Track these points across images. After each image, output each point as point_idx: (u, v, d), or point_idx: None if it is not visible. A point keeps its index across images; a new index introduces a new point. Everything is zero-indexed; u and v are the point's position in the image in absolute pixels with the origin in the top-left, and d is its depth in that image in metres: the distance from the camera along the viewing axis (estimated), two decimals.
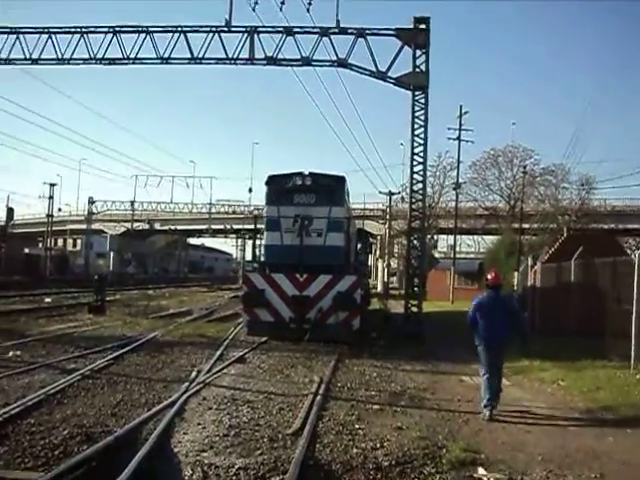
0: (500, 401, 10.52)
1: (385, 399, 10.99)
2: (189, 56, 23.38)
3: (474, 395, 11.50)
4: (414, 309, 21.96)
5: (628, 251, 27.20)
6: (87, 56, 23.43)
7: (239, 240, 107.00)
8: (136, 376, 12.24)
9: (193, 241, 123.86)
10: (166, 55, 23.42)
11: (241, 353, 15.57)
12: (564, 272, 20.67)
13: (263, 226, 20.28)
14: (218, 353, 15.39)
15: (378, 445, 7.98)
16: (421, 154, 21.86)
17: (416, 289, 22.44)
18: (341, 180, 20.29)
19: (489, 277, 11.10)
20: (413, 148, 21.85)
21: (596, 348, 16.00)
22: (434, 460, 7.43)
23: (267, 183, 20.06)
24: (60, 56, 23.55)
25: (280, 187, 19.59)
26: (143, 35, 23.30)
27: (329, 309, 18.08)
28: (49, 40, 23.52)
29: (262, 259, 20.15)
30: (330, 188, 19.53)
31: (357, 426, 8.90)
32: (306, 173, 19.51)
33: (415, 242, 22.96)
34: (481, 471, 6.28)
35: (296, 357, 15.52)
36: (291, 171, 19.85)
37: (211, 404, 10.02)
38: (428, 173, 53.21)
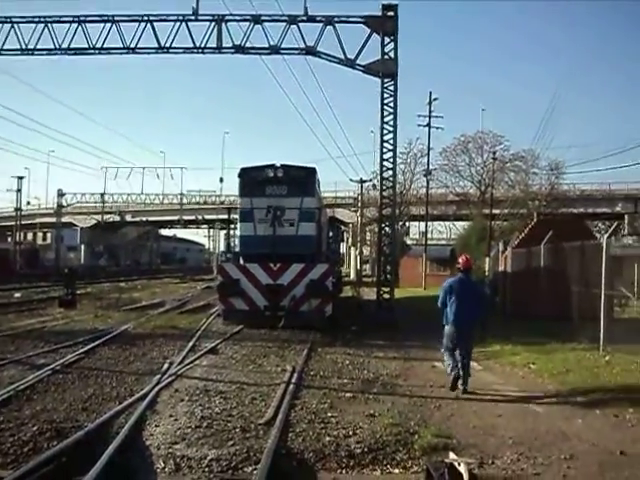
0: (471, 385, 10.69)
1: (358, 387, 11.01)
2: (156, 45, 23.13)
3: (446, 380, 11.57)
4: (386, 296, 22.10)
5: (597, 235, 27.47)
6: (52, 46, 23.04)
7: (211, 230, 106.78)
8: (107, 369, 12.15)
9: (165, 232, 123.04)
10: (133, 45, 23.12)
11: (213, 344, 15.47)
12: (534, 257, 20.88)
13: (237, 217, 20.90)
14: (190, 344, 15.30)
15: (351, 433, 8.00)
16: (391, 141, 21.94)
17: (388, 276, 22.58)
18: (312, 171, 20.90)
19: (460, 261, 11.62)
20: (383, 135, 21.92)
21: (566, 331, 16.24)
22: (406, 446, 7.47)
23: (240, 175, 20.48)
24: (24, 46, 23.13)
25: (253, 179, 20.15)
26: (109, 25, 22.96)
27: (302, 297, 18.77)
28: (12, 30, 23.08)
29: (237, 249, 20.81)
30: (301, 179, 20.08)
31: (329, 414, 8.91)
32: (278, 165, 20.03)
33: (387, 229, 23.03)
34: (452, 456, 6.32)
35: (268, 347, 15.49)
36: (263, 163, 20.39)
37: (183, 396, 9.96)
38: (399, 160, 53.11)
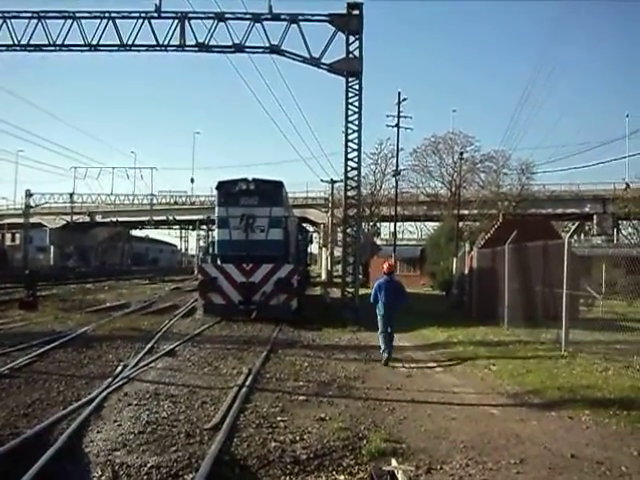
0: (429, 387, 10.71)
1: (313, 389, 10.78)
2: (118, 43, 22.82)
3: (404, 382, 11.56)
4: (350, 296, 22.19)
5: (564, 235, 27.56)
6: (10, 42, 22.56)
7: (183, 231, 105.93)
8: (58, 373, 11.80)
9: (137, 233, 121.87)
10: (94, 42, 22.84)
11: (172, 346, 15.18)
12: (499, 257, 20.80)
13: (215, 224, 23.78)
14: (148, 346, 14.99)
15: (298, 438, 7.77)
16: (355, 141, 21.82)
17: (354, 276, 22.59)
18: (279, 184, 23.98)
19: (385, 266, 14.92)
20: (347, 135, 21.81)
21: (529, 331, 16.20)
22: (354, 451, 7.26)
23: (217, 188, 23.72)
24: None
25: (228, 191, 23.06)
26: (70, 21, 22.58)
27: (271, 292, 21.50)
28: None
29: (215, 252, 23.38)
30: (270, 191, 23.04)
31: (279, 418, 8.67)
32: (250, 179, 22.97)
33: (354, 229, 22.98)
34: (393, 463, 6.13)
35: (227, 348, 15.21)
36: (237, 177, 23.32)
37: (132, 400, 9.66)
38: (370, 161, 53.12)
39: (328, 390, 10.75)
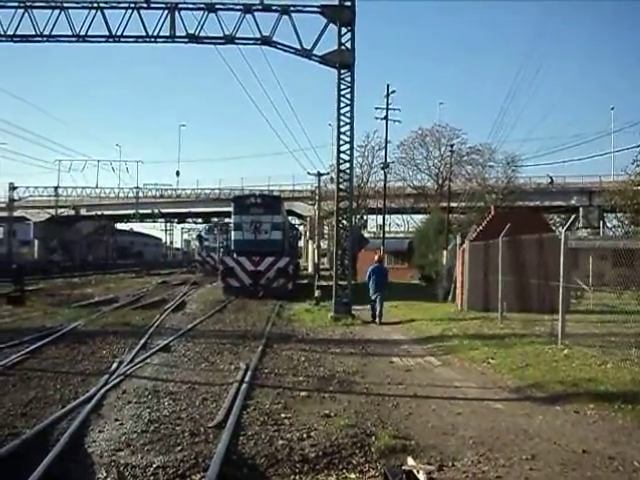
0: (429, 382, 10.58)
1: (313, 385, 10.63)
2: (107, 34, 22.38)
3: (404, 377, 11.45)
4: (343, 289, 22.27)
5: (553, 227, 27.56)
6: None
7: (168, 224, 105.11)
8: (53, 370, 11.59)
9: (121, 226, 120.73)
10: (82, 32, 22.33)
11: (166, 341, 15.00)
12: (492, 250, 20.73)
13: (232, 228, 33.04)
14: (142, 342, 14.81)
15: (305, 435, 7.63)
16: (348, 133, 21.61)
17: (346, 271, 22.54)
18: (279, 198, 36.55)
19: (376, 257, 22.69)
20: (339, 127, 21.56)
21: (523, 324, 16.13)
22: (363, 449, 7.13)
23: (233, 201, 32.99)
24: None
25: (242, 203, 31.96)
26: (57, 11, 22.13)
27: (273, 277, 29.71)
28: None
29: (232, 248, 32.24)
30: (272, 203, 32.35)
31: (283, 415, 8.53)
32: (257, 194, 34.26)
33: (344, 222, 22.82)
34: (410, 462, 6.00)
35: (222, 343, 15.05)
36: (248, 193, 34.83)
37: (131, 397, 9.49)
38: (357, 153, 52.83)
39: (328, 385, 10.60)
